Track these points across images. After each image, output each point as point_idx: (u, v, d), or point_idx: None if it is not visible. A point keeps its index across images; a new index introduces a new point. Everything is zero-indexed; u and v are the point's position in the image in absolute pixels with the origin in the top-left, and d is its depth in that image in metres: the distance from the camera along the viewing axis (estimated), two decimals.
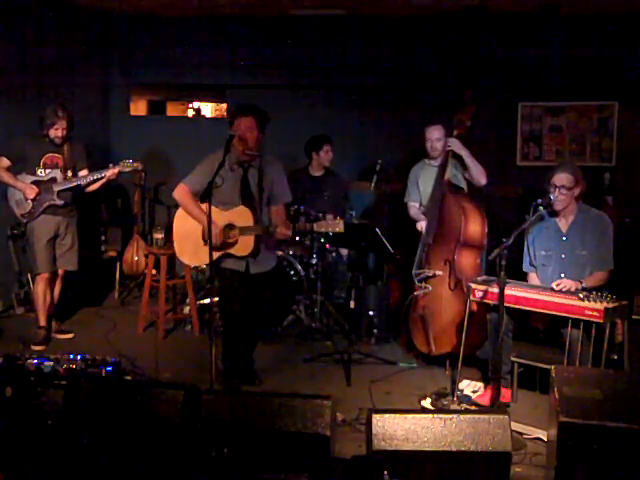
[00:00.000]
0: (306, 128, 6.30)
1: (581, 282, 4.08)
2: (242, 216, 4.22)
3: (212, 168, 4.23)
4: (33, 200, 5.23)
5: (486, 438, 3.00)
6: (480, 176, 4.99)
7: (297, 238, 5.82)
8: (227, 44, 7.26)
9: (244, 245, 4.23)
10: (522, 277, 4.42)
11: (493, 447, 2.99)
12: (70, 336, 5.58)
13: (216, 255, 4.26)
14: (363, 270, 5.96)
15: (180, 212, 4.45)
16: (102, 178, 5.34)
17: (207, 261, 4.35)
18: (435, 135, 5.08)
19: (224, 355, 4.46)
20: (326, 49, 7.09)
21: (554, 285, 4.10)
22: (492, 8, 6.31)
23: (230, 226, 4.23)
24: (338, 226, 4.05)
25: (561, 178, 4.17)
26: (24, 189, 5.22)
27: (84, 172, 5.42)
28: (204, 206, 4.24)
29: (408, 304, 5.12)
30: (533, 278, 4.37)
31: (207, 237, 4.24)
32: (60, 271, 5.49)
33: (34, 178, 5.26)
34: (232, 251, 4.25)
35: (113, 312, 6.37)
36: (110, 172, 5.33)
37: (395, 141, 6.92)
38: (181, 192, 4.34)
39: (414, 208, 5.30)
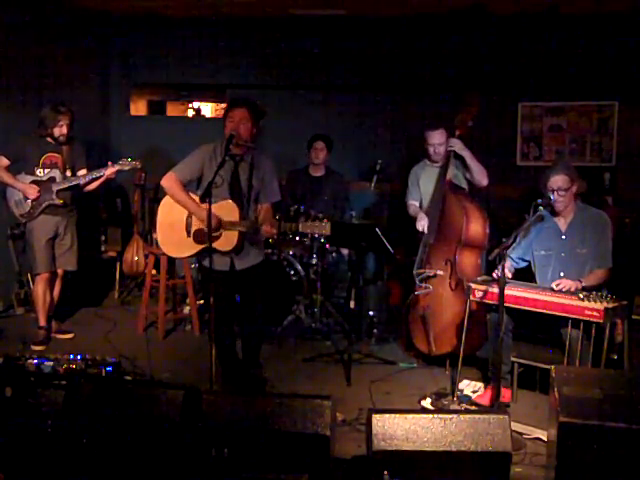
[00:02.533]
0: (306, 128, 6.31)
1: (581, 281, 4.08)
2: (228, 210, 4.15)
3: (202, 159, 4.23)
4: (33, 200, 5.23)
5: (486, 438, 3.00)
6: (481, 177, 4.98)
7: (297, 238, 5.82)
8: (227, 44, 7.26)
9: (228, 240, 4.17)
10: (522, 277, 4.42)
11: (493, 447, 2.99)
12: (70, 336, 5.57)
13: (198, 249, 4.25)
14: (363, 270, 5.96)
15: (165, 201, 4.38)
16: (101, 177, 5.32)
17: (189, 253, 4.37)
18: (437, 140, 5.04)
19: (218, 357, 4.37)
20: (326, 49, 7.10)
21: (554, 285, 4.10)
22: (492, 8, 6.32)
23: (217, 219, 4.14)
24: (324, 228, 3.93)
25: (556, 180, 4.18)
26: (25, 189, 5.21)
27: (83, 172, 5.40)
28: (194, 197, 4.21)
29: (408, 304, 5.12)
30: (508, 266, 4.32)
31: (191, 228, 4.27)
32: (60, 271, 5.48)
33: (33, 178, 5.25)
34: (215, 245, 4.15)
35: (113, 312, 6.37)
36: (109, 171, 5.31)
37: (395, 141, 6.92)
38: (169, 180, 4.27)
39: (414, 206, 5.29)
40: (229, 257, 4.28)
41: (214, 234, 4.13)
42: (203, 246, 4.19)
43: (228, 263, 4.29)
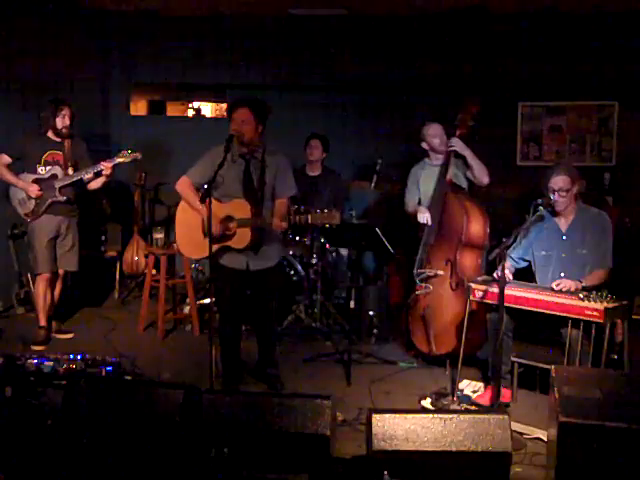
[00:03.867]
0: (306, 128, 6.30)
1: (581, 281, 4.08)
2: (240, 208, 4.18)
3: (214, 161, 4.22)
4: (36, 198, 5.22)
5: (486, 438, 3.00)
6: (483, 175, 4.97)
7: (297, 238, 5.83)
8: (227, 44, 7.26)
9: (241, 237, 4.20)
10: (522, 277, 4.42)
11: (493, 447, 3.00)
12: (70, 336, 5.57)
13: (214, 248, 4.26)
14: (363, 270, 5.96)
15: (183, 204, 4.43)
16: (100, 172, 5.26)
17: (207, 254, 4.40)
18: (438, 131, 5.06)
19: (222, 356, 4.43)
20: (326, 49, 7.10)
21: (554, 285, 4.10)
22: (492, 8, 6.31)
23: (229, 218, 4.18)
24: (335, 218, 3.94)
25: (557, 181, 4.17)
26: (26, 187, 5.19)
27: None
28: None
29: (409, 304, 5.11)
30: (508, 266, 4.31)
31: (207, 230, 4.29)
32: (60, 271, 5.48)
33: (35, 176, 5.24)
34: (230, 243, 4.21)
35: (113, 312, 6.38)
36: (107, 163, 5.22)
37: (395, 141, 6.92)
38: (183, 184, 4.34)
39: (412, 203, 5.25)
40: (245, 257, 4.29)
41: (228, 233, 4.19)
42: (219, 245, 4.22)
43: (244, 262, 4.31)
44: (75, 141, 5.39)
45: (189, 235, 4.40)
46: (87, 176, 5.31)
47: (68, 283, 5.85)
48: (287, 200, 4.38)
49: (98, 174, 5.31)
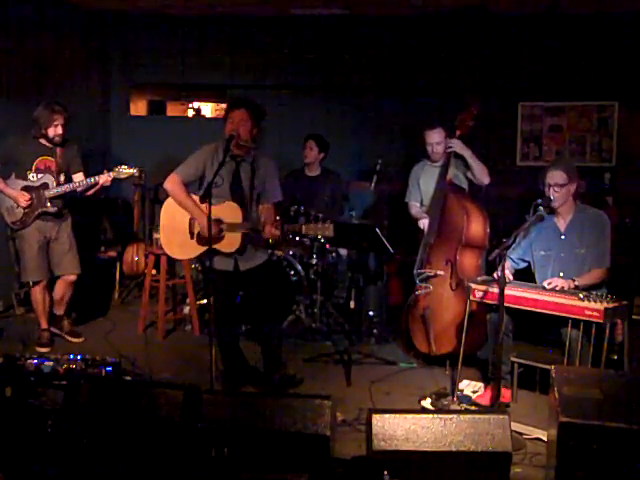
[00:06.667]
0: (306, 128, 6.30)
1: (574, 280, 4.08)
2: (231, 212, 4.16)
3: (204, 159, 4.23)
4: (25, 208, 5.04)
5: (486, 438, 3.00)
6: (483, 175, 4.98)
7: (297, 239, 5.82)
8: (227, 44, 7.27)
9: (231, 242, 4.18)
10: (522, 277, 4.42)
11: (493, 447, 2.99)
12: (81, 340, 5.43)
13: (202, 250, 4.25)
14: (363, 270, 5.96)
15: (168, 203, 4.38)
16: (96, 184, 5.09)
17: (193, 255, 4.40)
18: (435, 139, 5.05)
19: (222, 357, 4.42)
20: (326, 49, 7.10)
21: (545, 284, 4.10)
22: (492, 8, 6.32)
23: (218, 221, 4.15)
24: (328, 230, 3.94)
25: (553, 176, 4.17)
26: (16, 197, 5.01)
27: (79, 175, 5.21)
28: (196, 198, 4.19)
29: (409, 304, 5.11)
30: (508, 266, 4.30)
31: (194, 230, 4.28)
32: (71, 277, 5.28)
33: (25, 183, 5.06)
34: (218, 246, 4.18)
35: (113, 312, 6.38)
36: (103, 179, 5.06)
37: (395, 141, 6.92)
38: (172, 182, 4.27)
39: (415, 207, 5.30)
40: (233, 258, 4.29)
41: (220, 235, 4.16)
42: (206, 247, 4.19)
43: (232, 264, 4.30)
44: (66, 145, 5.18)
45: (175, 235, 4.36)
46: (79, 189, 5.14)
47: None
48: (273, 206, 4.36)
49: (91, 186, 5.13)
